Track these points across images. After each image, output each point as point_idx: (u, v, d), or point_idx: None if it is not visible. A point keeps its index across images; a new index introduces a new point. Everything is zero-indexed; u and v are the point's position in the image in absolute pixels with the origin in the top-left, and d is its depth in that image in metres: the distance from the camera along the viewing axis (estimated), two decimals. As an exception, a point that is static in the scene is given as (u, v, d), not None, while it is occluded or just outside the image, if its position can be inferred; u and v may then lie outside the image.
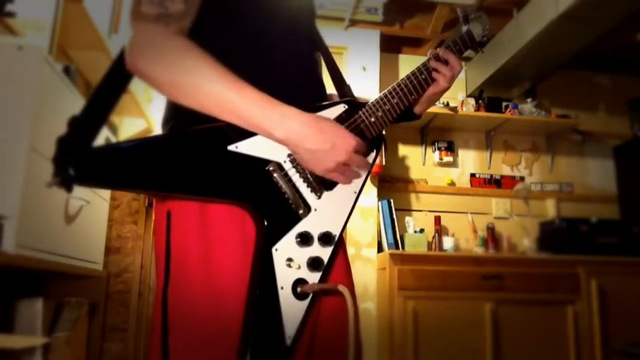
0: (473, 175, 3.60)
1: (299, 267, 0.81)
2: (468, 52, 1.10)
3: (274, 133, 0.79)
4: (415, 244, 3.10)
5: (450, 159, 3.53)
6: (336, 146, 0.81)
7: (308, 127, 0.80)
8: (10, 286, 1.43)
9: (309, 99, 0.90)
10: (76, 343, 1.70)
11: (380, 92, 0.97)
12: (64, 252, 1.49)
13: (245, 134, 0.80)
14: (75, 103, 1.47)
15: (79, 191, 1.56)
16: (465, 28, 1.07)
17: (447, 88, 1.03)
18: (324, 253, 0.84)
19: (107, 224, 2.00)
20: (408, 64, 3.66)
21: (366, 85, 3.31)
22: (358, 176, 0.89)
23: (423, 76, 1.00)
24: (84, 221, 1.62)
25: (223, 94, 0.76)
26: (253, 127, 0.79)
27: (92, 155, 0.73)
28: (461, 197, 3.52)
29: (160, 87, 0.78)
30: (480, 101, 3.47)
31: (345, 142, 0.82)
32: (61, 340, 1.56)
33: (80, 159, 0.72)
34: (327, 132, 0.81)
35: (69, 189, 0.72)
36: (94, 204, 1.73)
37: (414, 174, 3.53)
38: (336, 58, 1.06)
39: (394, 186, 3.44)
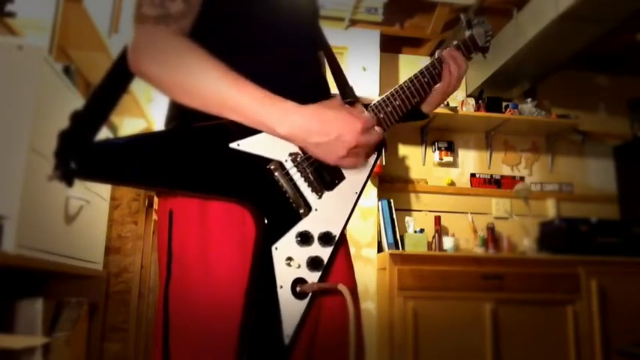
0: (473, 175, 3.60)
1: (299, 266, 0.81)
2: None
3: (278, 129, 0.79)
4: (415, 244, 3.10)
5: (450, 159, 3.53)
6: (342, 134, 0.80)
7: (311, 120, 0.80)
8: (10, 286, 1.43)
9: (313, 99, 0.90)
10: (76, 343, 1.70)
11: (380, 92, 0.97)
12: (64, 252, 1.49)
13: (247, 132, 0.80)
14: (75, 103, 1.46)
15: (79, 191, 1.56)
16: (468, 34, 1.08)
17: (456, 87, 1.04)
18: (324, 252, 0.84)
19: (107, 224, 2.00)
20: (408, 64, 3.66)
21: (366, 85, 3.31)
22: (373, 154, 0.89)
23: (426, 79, 1.00)
24: (84, 221, 1.62)
25: (225, 93, 0.76)
26: (256, 124, 0.79)
27: (94, 149, 0.73)
28: (461, 197, 3.52)
29: (162, 87, 0.78)
30: (480, 101, 3.48)
31: (351, 126, 0.81)
32: (61, 340, 1.56)
33: (82, 153, 0.72)
34: (331, 121, 0.81)
35: (70, 183, 0.71)
36: (94, 204, 1.73)
37: (414, 174, 3.53)
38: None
39: (394, 186, 3.44)
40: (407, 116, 1.01)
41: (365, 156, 0.87)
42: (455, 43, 1.08)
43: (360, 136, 0.82)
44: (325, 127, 0.80)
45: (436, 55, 1.04)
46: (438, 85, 1.03)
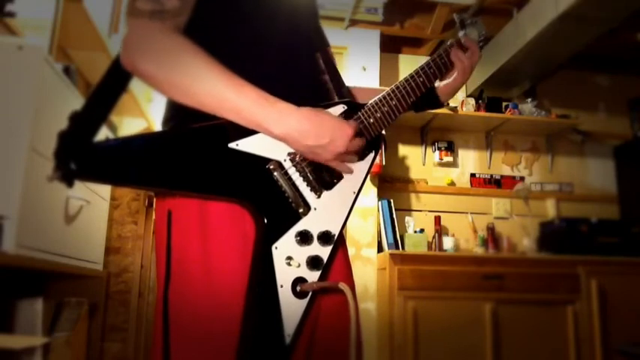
0: (473, 175, 3.60)
1: (298, 265, 0.81)
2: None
3: (273, 130, 0.79)
4: (415, 244, 3.10)
5: (450, 159, 3.53)
6: (334, 139, 0.81)
7: (306, 122, 0.80)
8: (10, 286, 1.43)
9: (309, 99, 0.90)
10: (76, 343, 1.70)
11: (380, 93, 0.97)
12: (64, 252, 1.49)
13: (246, 132, 0.80)
14: (75, 103, 1.47)
15: (79, 191, 1.56)
16: (461, 34, 1.09)
17: (467, 78, 1.05)
18: (324, 252, 0.84)
19: (107, 224, 2.00)
20: (408, 64, 3.66)
21: (366, 85, 3.31)
22: (354, 161, 0.89)
23: (421, 79, 1.00)
24: (84, 221, 1.62)
25: (221, 92, 0.76)
26: (252, 124, 0.79)
27: (93, 150, 0.73)
28: (461, 197, 3.52)
29: (156, 85, 0.77)
30: (480, 101, 3.48)
31: (343, 132, 0.82)
32: (61, 340, 1.56)
33: (81, 153, 0.72)
34: (326, 126, 0.81)
35: (70, 184, 0.71)
36: (94, 204, 1.73)
37: (414, 174, 3.53)
38: (336, 58, 1.06)
39: (394, 186, 3.44)
40: (422, 104, 1.05)
41: (347, 162, 0.88)
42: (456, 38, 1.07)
43: (349, 142, 0.83)
44: (320, 131, 0.80)
45: (448, 43, 1.04)
46: (450, 74, 1.04)
